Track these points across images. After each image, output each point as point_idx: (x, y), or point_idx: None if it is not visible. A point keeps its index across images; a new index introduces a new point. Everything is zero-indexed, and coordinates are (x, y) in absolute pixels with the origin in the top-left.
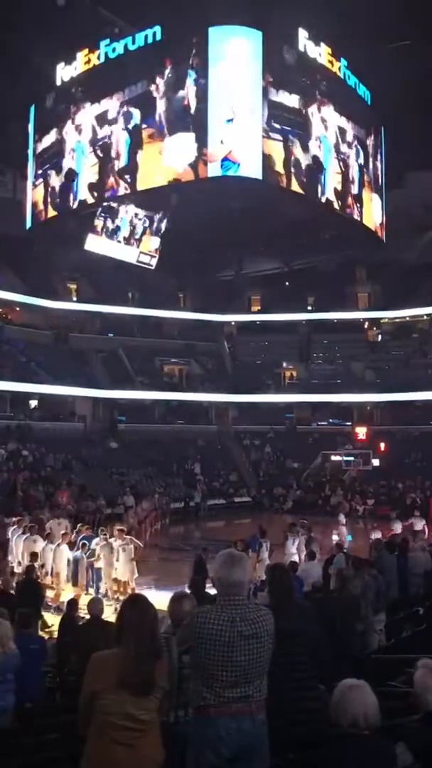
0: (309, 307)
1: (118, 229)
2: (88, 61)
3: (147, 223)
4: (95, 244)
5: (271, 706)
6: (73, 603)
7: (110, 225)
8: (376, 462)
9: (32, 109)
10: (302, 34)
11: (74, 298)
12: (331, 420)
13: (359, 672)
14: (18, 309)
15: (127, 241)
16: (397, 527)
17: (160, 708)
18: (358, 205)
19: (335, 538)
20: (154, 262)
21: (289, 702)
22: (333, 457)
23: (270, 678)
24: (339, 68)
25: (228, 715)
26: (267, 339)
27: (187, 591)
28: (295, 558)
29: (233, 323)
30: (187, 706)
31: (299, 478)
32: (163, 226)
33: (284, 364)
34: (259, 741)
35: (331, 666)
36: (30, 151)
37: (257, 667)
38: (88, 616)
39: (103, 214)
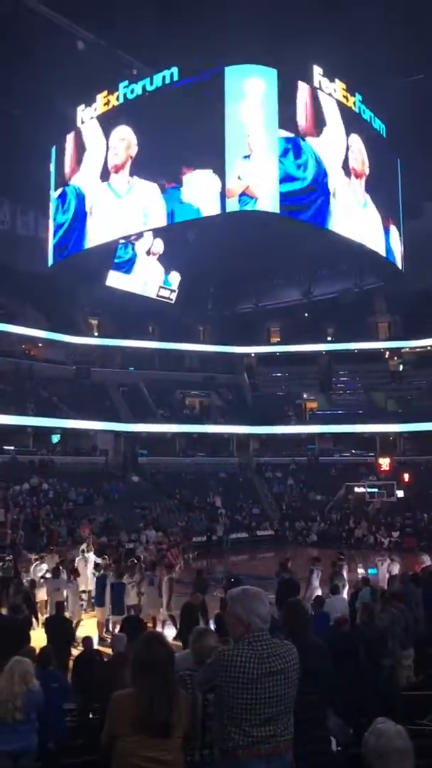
0: (329, 338)
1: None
2: (108, 103)
3: (166, 259)
4: (116, 280)
5: None
6: (88, 640)
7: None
8: (400, 493)
9: (53, 150)
10: (317, 70)
11: (95, 333)
12: (353, 451)
13: (387, 709)
14: (41, 345)
15: (147, 277)
16: (426, 559)
17: (184, 746)
18: (376, 236)
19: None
20: (173, 296)
21: (306, 742)
22: (356, 489)
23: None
24: (354, 103)
25: (257, 757)
26: (287, 370)
27: (211, 626)
28: (319, 592)
29: (253, 355)
30: (213, 745)
31: (322, 511)
32: (181, 261)
33: (305, 396)
34: None
35: (357, 702)
36: (52, 191)
37: (284, 704)
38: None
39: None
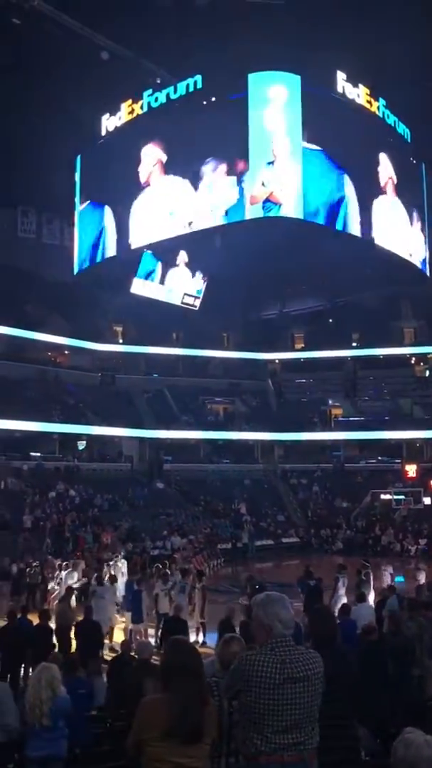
0: (354, 344)
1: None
2: (132, 111)
3: (191, 265)
4: (140, 287)
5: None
6: (125, 644)
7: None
8: (427, 500)
9: (78, 159)
10: (340, 76)
11: (120, 340)
12: (379, 458)
13: (416, 719)
14: (66, 352)
15: (171, 284)
16: None
17: (210, 753)
18: (401, 240)
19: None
20: (197, 302)
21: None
22: (383, 496)
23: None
24: (377, 108)
25: (280, 764)
26: (312, 376)
27: (237, 634)
28: (344, 600)
29: (277, 361)
30: (238, 753)
31: (348, 518)
32: (206, 267)
33: (330, 402)
34: None
35: (384, 712)
36: (77, 200)
37: (308, 712)
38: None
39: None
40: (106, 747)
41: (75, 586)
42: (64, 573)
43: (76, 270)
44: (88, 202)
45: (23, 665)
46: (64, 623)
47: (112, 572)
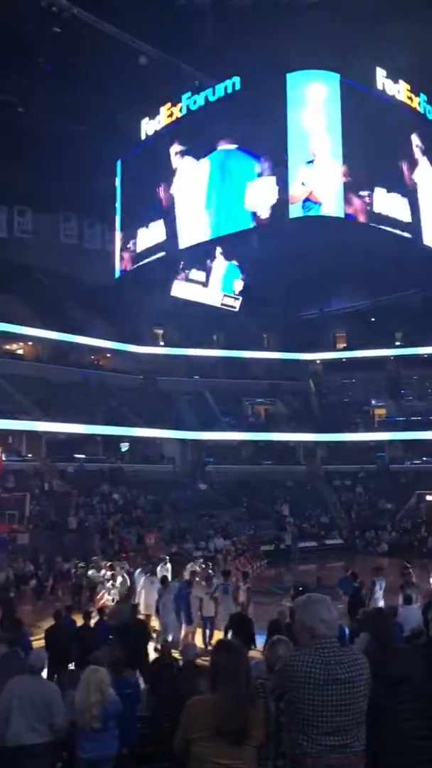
0: (397, 343)
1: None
2: (171, 115)
3: (230, 266)
4: (180, 289)
5: (377, 755)
6: (166, 646)
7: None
8: None
9: (119, 164)
10: (380, 73)
11: (161, 343)
12: (424, 458)
13: None
14: (108, 355)
15: (211, 286)
16: None
17: (257, 756)
18: None
19: None
20: (237, 304)
21: (397, 753)
22: (428, 497)
23: (377, 727)
24: (419, 103)
25: (327, 766)
26: (354, 376)
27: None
28: (381, 603)
29: (318, 361)
30: (286, 755)
31: (393, 520)
32: (246, 268)
33: (373, 402)
34: None
35: None
36: (118, 204)
37: (353, 715)
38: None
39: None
40: (152, 748)
41: (116, 586)
42: (109, 573)
43: (117, 274)
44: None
45: (68, 665)
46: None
47: (165, 574)
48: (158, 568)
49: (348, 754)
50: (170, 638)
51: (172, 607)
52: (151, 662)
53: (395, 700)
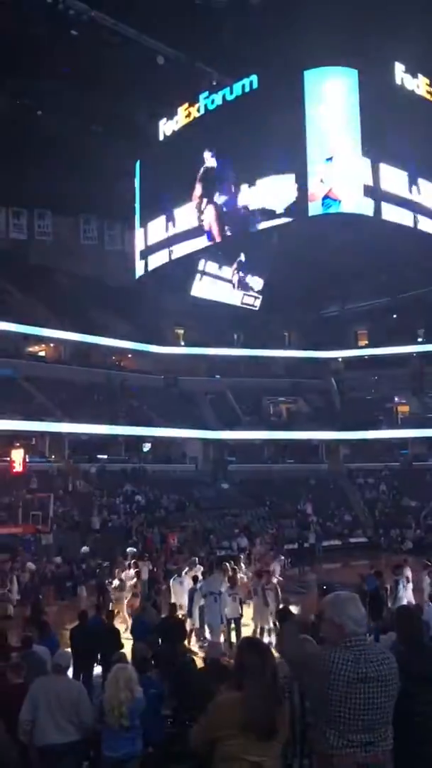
0: (419, 339)
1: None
2: (189, 115)
3: (249, 265)
4: (200, 289)
5: (409, 754)
6: (184, 645)
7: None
8: None
9: (137, 164)
10: (399, 68)
11: (182, 343)
12: None
13: None
14: (130, 356)
15: (231, 285)
16: None
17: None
18: None
19: None
20: (258, 302)
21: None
22: None
23: (411, 726)
24: None
25: (355, 763)
26: (376, 374)
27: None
28: (405, 601)
29: (340, 359)
30: (312, 754)
31: (418, 517)
32: (266, 266)
33: (396, 399)
34: None
35: None
36: (137, 205)
37: (381, 713)
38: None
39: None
40: (178, 747)
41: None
42: (133, 572)
43: (137, 274)
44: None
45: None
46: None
47: (197, 574)
48: (185, 570)
49: (376, 751)
50: (211, 637)
51: (215, 608)
52: (174, 661)
53: (427, 698)
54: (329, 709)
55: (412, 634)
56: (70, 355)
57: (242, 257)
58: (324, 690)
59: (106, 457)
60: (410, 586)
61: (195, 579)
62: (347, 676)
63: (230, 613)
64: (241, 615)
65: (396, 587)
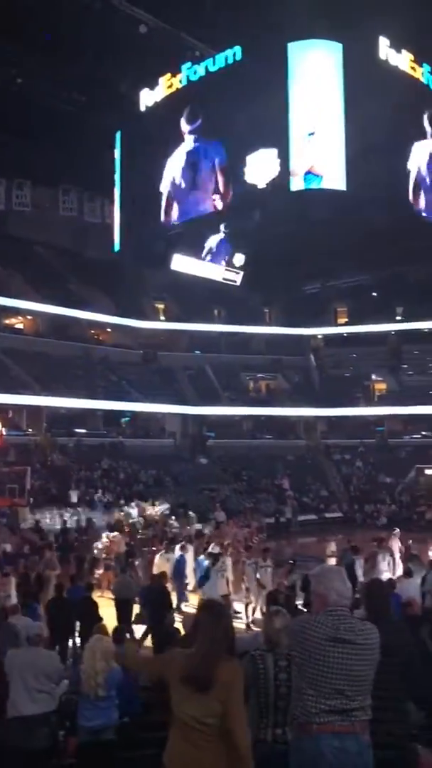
0: (398, 317)
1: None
2: (171, 86)
3: (231, 241)
4: (181, 263)
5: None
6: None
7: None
8: None
9: (118, 135)
10: (383, 42)
11: (162, 318)
12: (424, 433)
13: None
14: (109, 330)
15: (212, 260)
16: None
17: (237, 719)
18: None
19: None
20: (239, 278)
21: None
22: (427, 471)
23: None
24: (422, 74)
25: (330, 732)
26: (355, 351)
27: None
28: (386, 575)
29: (320, 336)
30: (285, 725)
31: (392, 493)
32: (246, 242)
33: (373, 377)
34: (363, 764)
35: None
36: (117, 176)
37: (357, 681)
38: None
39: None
40: (155, 716)
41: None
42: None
43: (116, 247)
44: None
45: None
46: (127, 596)
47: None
48: (178, 547)
49: (351, 720)
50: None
51: (216, 580)
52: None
53: (385, 668)
54: (305, 669)
55: (378, 607)
56: (48, 328)
57: (222, 228)
58: (300, 653)
59: (84, 431)
60: (398, 558)
61: (183, 548)
62: (319, 634)
63: (219, 591)
64: (228, 593)
65: (375, 560)
